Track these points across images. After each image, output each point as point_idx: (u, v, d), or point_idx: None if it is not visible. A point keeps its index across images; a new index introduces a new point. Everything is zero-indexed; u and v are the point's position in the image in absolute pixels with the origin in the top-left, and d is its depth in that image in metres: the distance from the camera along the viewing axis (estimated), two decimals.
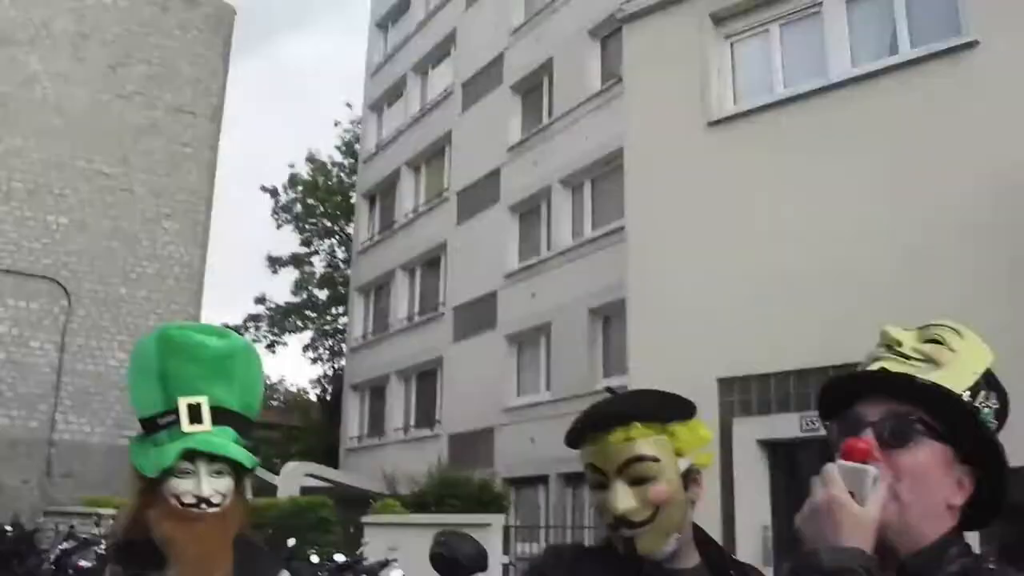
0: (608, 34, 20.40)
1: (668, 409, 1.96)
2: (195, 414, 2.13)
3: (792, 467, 11.37)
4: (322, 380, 37.02)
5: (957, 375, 1.54)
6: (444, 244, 25.91)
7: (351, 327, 31.27)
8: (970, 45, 10.23)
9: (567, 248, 20.92)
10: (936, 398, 1.51)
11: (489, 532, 12.98)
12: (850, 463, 1.45)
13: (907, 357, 1.58)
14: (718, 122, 12.41)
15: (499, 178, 23.77)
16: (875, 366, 1.60)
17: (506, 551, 13.40)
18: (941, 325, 1.64)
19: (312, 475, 23.62)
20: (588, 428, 1.95)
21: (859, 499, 1.41)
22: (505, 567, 12.99)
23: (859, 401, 1.57)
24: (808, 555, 1.37)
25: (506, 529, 14.52)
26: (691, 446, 1.95)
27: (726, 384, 11.64)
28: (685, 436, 1.95)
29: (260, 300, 38.71)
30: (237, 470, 2.19)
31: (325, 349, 39.50)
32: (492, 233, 23.63)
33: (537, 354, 21.85)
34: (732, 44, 12.74)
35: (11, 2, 24.43)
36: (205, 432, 2.13)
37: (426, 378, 26.28)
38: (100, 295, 24.50)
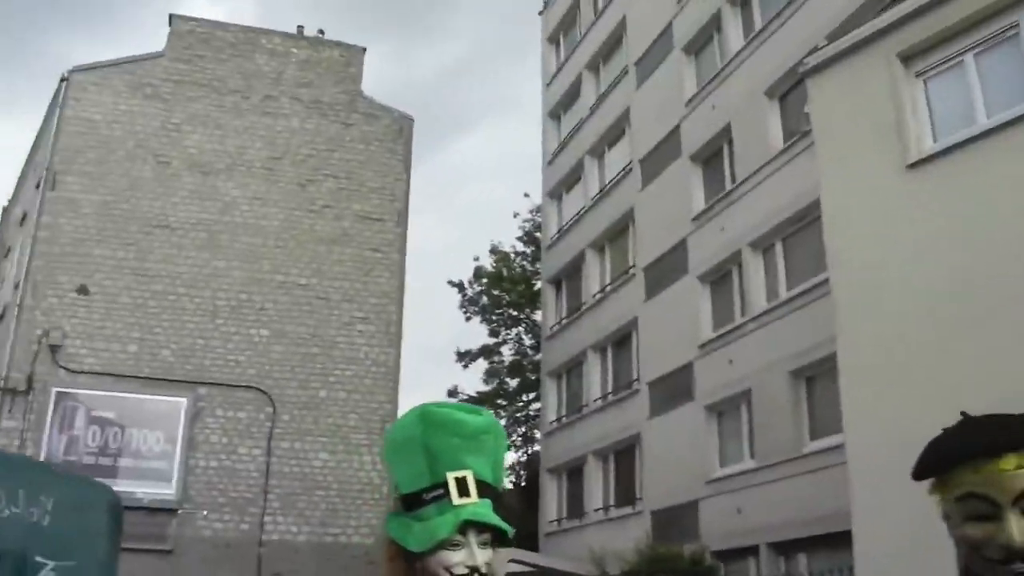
0: (785, 92, 20.32)
1: None
2: (463, 487, 2.21)
3: None
4: (516, 467, 37.12)
5: None
6: (634, 320, 25.89)
7: (544, 411, 31.39)
8: None
9: (762, 311, 20.60)
10: None
11: None
12: None
13: None
14: (917, 163, 12.08)
15: (686, 249, 23.73)
16: None
17: None
18: None
19: (516, 560, 23.57)
20: (968, 454, 1.79)
21: None
22: None
23: None
24: None
25: None
26: None
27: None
28: None
29: (452, 392, 39.36)
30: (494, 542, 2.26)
31: (518, 436, 39.75)
32: (683, 304, 23.51)
33: (738, 422, 21.44)
34: (925, 81, 12.45)
35: (208, 136, 26.11)
36: (474, 503, 2.20)
37: (624, 455, 26.05)
38: (302, 399, 25.40)
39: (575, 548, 24.45)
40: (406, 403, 27.70)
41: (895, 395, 11.56)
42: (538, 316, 35.94)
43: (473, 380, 41.35)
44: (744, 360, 20.72)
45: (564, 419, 29.66)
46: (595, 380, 28.00)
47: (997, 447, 1.74)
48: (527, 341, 39.23)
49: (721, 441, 22.06)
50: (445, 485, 2.19)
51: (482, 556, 2.20)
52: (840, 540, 15.38)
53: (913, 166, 12.09)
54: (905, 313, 11.76)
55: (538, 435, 34.29)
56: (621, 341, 27.05)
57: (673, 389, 23.46)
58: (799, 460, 18.59)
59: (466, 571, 2.16)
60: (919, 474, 1.89)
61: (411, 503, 2.24)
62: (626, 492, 25.38)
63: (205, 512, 23.58)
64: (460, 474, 2.21)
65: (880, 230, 12.32)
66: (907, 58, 12.52)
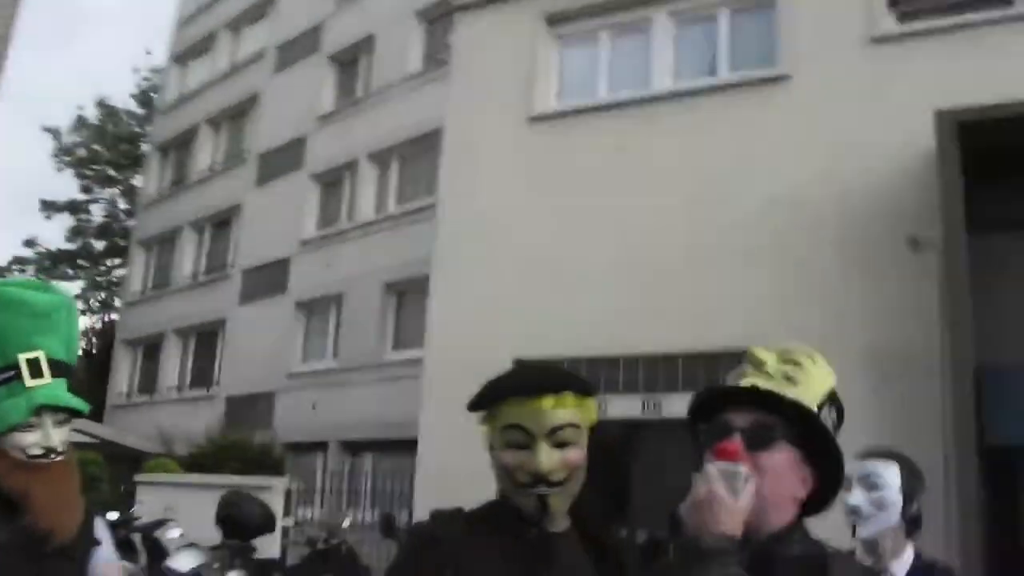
0: (435, 18, 20.77)
1: (586, 385, 2.16)
2: (35, 369, 2.27)
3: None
4: (89, 333, 35.48)
5: (810, 392, 1.90)
6: (239, 206, 25.58)
7: (129, 280, 30.28)
8: (782, 78, 11.29)
9: (368, 221, 21.19)
10: (796, 413, 1.86)
11: (271, 494, 13.09)
12: (725, 463, 1.76)
13: (770, 376, 1.93)
14: (541, 117, 12.99)
15: (304, 145, 23.74)
16: (744, 382, 1.94)
17: (287, 513, 13.53)
18: (798, 350, 2.00)
19: (79, 430, 22.78)
20: (515, 392, 2.10)
21: (731, 493, 1.71)
22: (286, 529, 13.13)
23: (729, 410, 1.90)
24: (691, 539, 1.70)
25: (288, 492, 14.64)
26: (592, 420, 2.16)
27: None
28: (591, 410, 2.15)
29: (30, 243, 36.81)
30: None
31: (96, 302, 37.98)
32: (291, 199, 23.56)
33: (326, 322, 22.02)
34: (562, 45, 13.39)
35: None
36: (47, 385, 2.28)
37: (206, 338, 25.88)
38: None
39: (143, 425, 24.05)
40: None
41: (475, 327, 12.50)
42: (138, 181, 34.35)
43: (56, 237, 38.85)
44: (342, 264, 21.27)
45: (149, 292, 28.82)
46: (188, 258, 27.44)
47: (538, 388, 2.07)
48: (122, 205, 37.36)
49: (306, 338, 22.56)
50: (16, 367, 2.25)
51: (58, 436, 2.31)
52: (406, 447, 16.47)
53: (535, 120, 12.98)
54: (500, 257, 12.67)
55: (118, 303, 33.01)
56: (222, 224, 26.66)
57: (267, 280, 23.58)
58: (379, 368, 19.51)
59: (42, 452, 2.28)
60: (474, 406, 2.18)
61: None
62: (204, 375, 25.30)
63: None
64: (32, 355, 2.27)
65: (494, 174, 13.10)
66: (553, 20, 13.35)
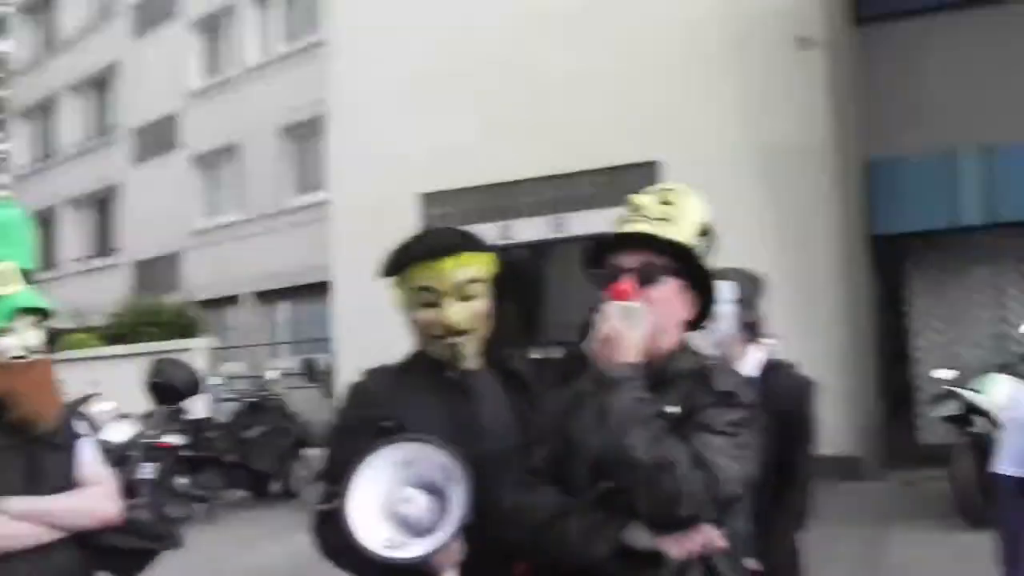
0: None
1: (482, 243, 2.40)
2: (5, 278, 2.51)
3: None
4: None
5: (686, 226, 2.13)
6: (117, 63, 24.58)
7: (12, 154, 29.27)
8: None
9: (255, 65, 20.56)
10: (675, 250, 2.09)
11: (193, 356, 13.16)
12: (623, 302, 2.00)
13: (650, 218, 2.14)
14: None
15: None
16: (628, 227, 2.15)
17: (211, 372, 13.64)
18: (672, 190, 2.22)
19: None
20: (419, 258, 2.34)
21: (630, 327, 1.97)
22: (212, 388, 13.23)
23: (618, 254, 2.12)
24: (601, 370, 1.96)
25: (210, 351, 14.71)
26: (491, 271, 2.40)
27: (428, 199, 12.25)
28: (489, 263, 2.40)
29: None
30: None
31: None
32: (171, 50, 22.68)
33: (225, 174, 21.61)
34: None
35: None
36: (20, 292, 2.52)
37: (102, 205, 25.32)
38: None
39: (50, 302, 23.66)
40: None
41: (377, 164, 12.41)
42: (4, 47, 32.71)
43: None
44: (233, 113, 20.71)
45: (36, 163, 27.95)
46: (72, 123, 26.51)
47: (440, 251, 2.32)
48: None
49: (206, 193, 22.16)
50: None
51: (33, 337, 2.55)
52: (317, 291, 16.50)
53: None
54: (394, 78, 12.47)
55: (5, 180, 31.93)
56: (101, 83, 25.69)
57: (157, 138, 22.95)
58: (283, 215, 19.32)
59: (22, 352, 2.51)
60: (387, 273, 2.40)
61: None
62: (105, 243, 24.82)
63: None
64: (2, 266, 2.51)
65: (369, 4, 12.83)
66: None
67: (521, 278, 12.19)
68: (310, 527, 2.34)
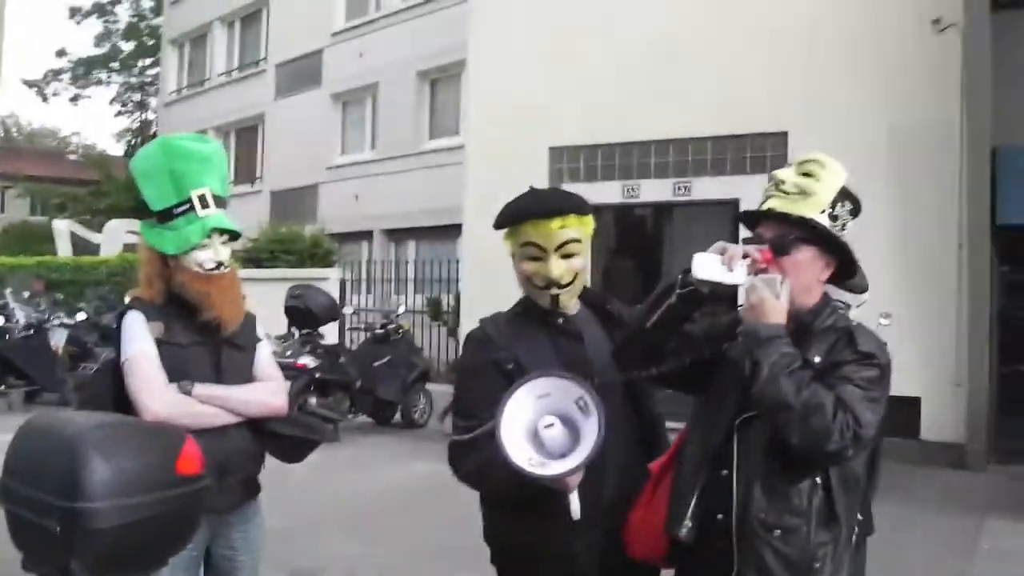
0: None
1: (585, 206, 2.67)
2: (204, 201, 2.92)
3: (613, 228, 12.58)
4: (129, 134, 35.89)
5: (822, 196, 2.39)
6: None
7: (163, 82, 30.45)
8: None
9: (397, 10, 21.07)
10: (806, 225, 2.38)
11: (327, 285, 13.69)
12: (765, 276, 2.32)
13: (787, 192, 2.41)
14: None
15: None
16: (768, 203, 2.45)
17: (343, 302, 14.17)
18: (811, 161, 2.45)
19: (135, 231, 23.40)
20: (530, 215, 2.61)
21: (774, 295, 2.29)
22: (344, 317, 13.79)
23: (758, 226, 2.47)
24: (752, 330, 2.28)
25: (342, 282, 15.29)
26: (590, 233, 2.69)
27: (556, 152, 12.58)
28: (590, 225, 2.67)
29: (61, 53, 36.86)
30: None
31: (132, 104, 38.21)
32: None
33: (363, 114, 22.27)
34: None
35: None
36: (215, 214, 2.93)
37: (246, 134, 26.26)
38: None
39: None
40: (9, 64, 25.54)
41: (511, 112, 12.73)
42: None
43: (86, 44, 38.72)
44: (374, 54, 21.30)
45: (185, 91, 29.02)
46: (221, 54, 27.47)
47: (548, 211, 2.60)
48: (146, 3, 37.02)
49: (344, 130, 22.88)
50: (190, 201, 2.91)
51: (225, 252, 3.00)
52: (446, 232, 16.99)
53: None
54: (531, 35, 12.74)
55: (154, 104, 33.18)
56: (251, 16, 26.51)
57: (301, 74, 23.70)
58: (417, 156, 19.88)
59: (214, 265, 2.96)
60: (498, 225, 2.68)
61: (164, 217, 2.94)
62: (248, 171, 25.77)
63: None
64: (201, 191, 2.92)
65: None
66: None
67: (644, 236, 12.51)
68: (448, 455, 2.60)
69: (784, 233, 2.39)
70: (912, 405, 9.90)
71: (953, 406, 9.84)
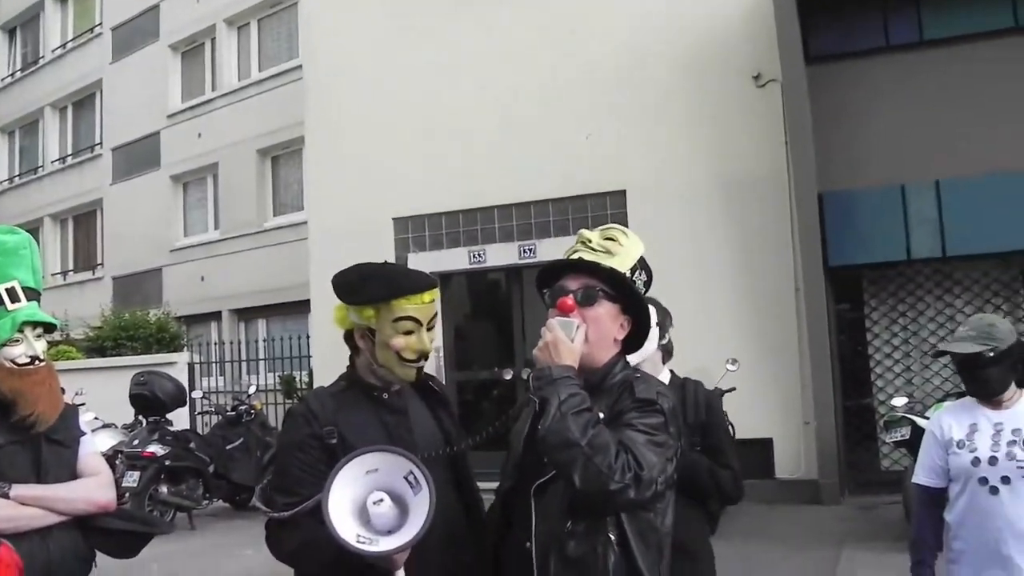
0: None
1: (436, 280, 2.77)
2: (13, 295, 2.87)
3: (464, 293, 12.72)
4: None
5: (624, 260, 2.51)
6: (99, 82, 24.82)
7: None
8: None
9: (234, 88, 20.95)
10: (612, 276, 2.47)
11: (176, 369, 13.47)
12: (563, 317, 2.39)
13: (594, 250, 2.52)
14: None
15: (158, 14, 22.96)
16: (575, 255, 2.53)
17: (192, 386, 13.91)
18: (613, 228, 2.59)
19: None
20: (410, 291, 2.64)
21: (569, 339, 2.35)
22: (193, 401, 13.53)
23: (565, 277, 2.51)
24: (542, 370, 2.32)
25: (191, 365, 15.00)
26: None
27: (401, 223, 12.70)
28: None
29: None
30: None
31: None
32: (152, 71, 22.94)
33: (204, 194, 21.99)
34: None
35: None
36: (26, 307, 2.89)
37: (84, 220, 25.55)
38: None
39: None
40: None
41: (353, 187, 12.84)
42: None
43: None
44: (213, 134, 21.08)
45: (16, 179, 28.10)
46: (53, 140, 26.68)
47: (424, 286, 2.67)
48: None
49: (186, 211, 22.51)
50: None
51: (39, 345, 2.96)
52: (296, 308, 16.85)
53: None
54: (368, 107, 12.94)
55: None
56: (83, 102, 25.91)
57: (139, 156, 23.21)
58: (262, 234, 19.70)
59: (28, 360, 2.91)
60: (368, 301, 2.65)
61: None
62: (87, 257, 25.07)
63: None
64: (8, 285, 2.88)
65: (354, 25, 13.23)
66: None
67: (495, 302, 12.69)
68: (265, 534, 2.59)
69: (592, 285, 2.47)
70: (765, 446, 10.28)
71: (804, 443, 10.22)
